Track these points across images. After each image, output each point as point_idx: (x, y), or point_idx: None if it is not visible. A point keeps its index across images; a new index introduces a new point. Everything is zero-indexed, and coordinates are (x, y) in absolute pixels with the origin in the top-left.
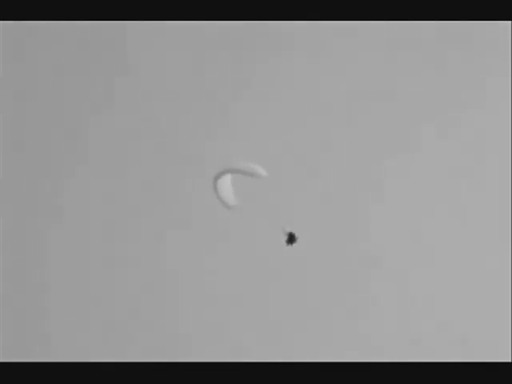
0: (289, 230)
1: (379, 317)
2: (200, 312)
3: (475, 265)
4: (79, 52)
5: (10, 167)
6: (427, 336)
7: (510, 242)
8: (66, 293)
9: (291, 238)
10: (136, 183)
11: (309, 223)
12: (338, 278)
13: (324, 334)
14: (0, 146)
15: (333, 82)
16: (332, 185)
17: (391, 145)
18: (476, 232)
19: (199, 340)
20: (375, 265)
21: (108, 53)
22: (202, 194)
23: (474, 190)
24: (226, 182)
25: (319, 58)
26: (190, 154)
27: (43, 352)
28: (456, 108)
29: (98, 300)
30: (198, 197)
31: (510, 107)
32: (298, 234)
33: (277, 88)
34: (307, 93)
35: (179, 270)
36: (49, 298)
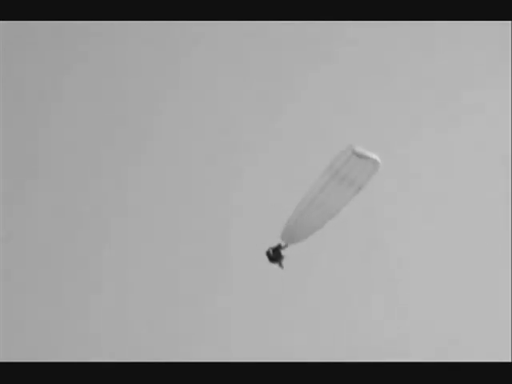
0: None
1: (380, 318)
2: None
3: (475, 266)
4: (87, 52)
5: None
6: (427, 336)
7: (510, 245)
8: (65, 294)
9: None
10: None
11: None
12: (339, 279)
13: (323, 334)
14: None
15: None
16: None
17: (390, 145)
18: (477, 233)
19: (197, 340)
20: (376, 267)
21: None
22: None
23: (471, 190)
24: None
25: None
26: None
27: (43, 352)
28: (456, 108)
29: (97, 300)
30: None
31: (510, 107)
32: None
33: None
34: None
35: (178, 273)
36: (47, 299)
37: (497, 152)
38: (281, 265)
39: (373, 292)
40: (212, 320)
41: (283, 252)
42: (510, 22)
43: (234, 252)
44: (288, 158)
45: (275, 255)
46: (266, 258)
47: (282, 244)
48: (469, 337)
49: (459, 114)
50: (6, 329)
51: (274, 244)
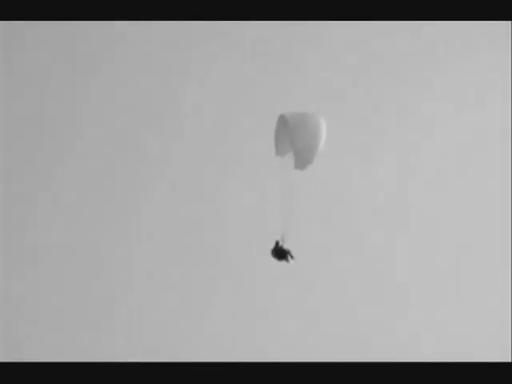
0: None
1: (378, 316)
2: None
3: (475, 265)
4: (82, 52)
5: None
6: (427, 336)
7: (509, 243)
8: (65, 294)
9: (280, 252)
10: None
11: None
12: (340, 275)
13: (325, 334)
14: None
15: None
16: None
17: (390, 145)
18: (477, 231)
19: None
20: (374, 263)
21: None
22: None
23: (470, 191)
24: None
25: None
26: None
27: (42, 352)
28: (456, 108)
29: (97, 300)
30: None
31: (510, 107)
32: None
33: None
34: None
35: (180, 271)
36: (48, 300)
37: (496, 153)
38: (292, 257)
39: (371, 291)
40: (209, 319)
41: (285, 245)
42: (510, 22)
43: (232, 250)
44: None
45: (279, 253)
46: (273, 260)
47: (280, 240)
48: (469, 337)
49: (459, 114)
50: (6, 329)
51: (271, 245)
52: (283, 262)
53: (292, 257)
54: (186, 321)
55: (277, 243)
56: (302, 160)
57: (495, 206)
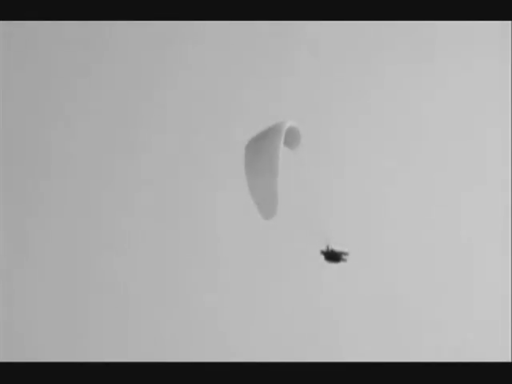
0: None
1: (379, 317)
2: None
3: (476, 266)
4: (83, 52)
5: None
6: (428, 336)
7: (509, 245)
8: (66, 295)
9: (331, 255)
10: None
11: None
12: (343, 275)
13: (324, 334)
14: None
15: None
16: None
17: (390, 145)
18: (477, 233)
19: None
20: (377, 265)
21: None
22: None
23: (472, 189)
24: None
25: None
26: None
27: (43, 352)
28: (456, 107)
29: (97, 301)
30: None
31: (509, 106)
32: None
33: None
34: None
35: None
36: (47, 301)
37: (497, 152)
38: (346, 254)
39: (367, 289)
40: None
41: (334, 248)
42: (510, 22)
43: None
44: None
45: (334, 257)
46: (330, 263)
47: (327, 246)
48: (469, 337)
49: (459, 115)
50: (6, 329)
51: (319, 251)
52: (341, 263)
53: (346, 254)
54: (188, 322)
55: (326, 252)
56: (266, 212)
57: (493, 209)
